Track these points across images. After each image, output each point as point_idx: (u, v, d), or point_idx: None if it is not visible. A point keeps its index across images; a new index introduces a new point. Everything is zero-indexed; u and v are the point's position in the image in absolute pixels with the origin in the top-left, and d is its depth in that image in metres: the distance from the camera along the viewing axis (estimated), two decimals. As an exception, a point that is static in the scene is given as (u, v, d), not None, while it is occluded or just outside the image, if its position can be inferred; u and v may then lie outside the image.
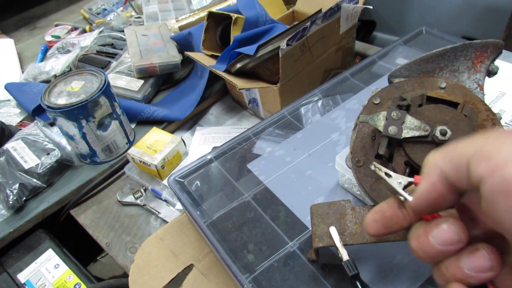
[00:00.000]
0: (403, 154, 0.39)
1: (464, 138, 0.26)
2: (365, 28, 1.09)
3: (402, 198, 0.32)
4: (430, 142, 0.37)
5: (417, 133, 0.37)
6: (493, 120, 0.40)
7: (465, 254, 0.27)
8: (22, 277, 0.67)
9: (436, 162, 0.27)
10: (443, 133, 0.36)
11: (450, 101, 0.41)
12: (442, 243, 0.28)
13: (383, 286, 0.44)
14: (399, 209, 0.32)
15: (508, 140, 0.24)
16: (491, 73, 0.43)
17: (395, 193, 0.33)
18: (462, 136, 0.37)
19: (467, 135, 0.37)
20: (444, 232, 0.28)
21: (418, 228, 0.30)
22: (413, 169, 0.38)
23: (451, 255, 0.28)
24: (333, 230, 0.42)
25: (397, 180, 0.34)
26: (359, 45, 0.99)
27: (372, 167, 0.37)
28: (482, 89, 0.42)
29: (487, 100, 0.59)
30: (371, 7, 0.78)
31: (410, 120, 0.37)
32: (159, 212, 0.71)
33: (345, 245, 0.41)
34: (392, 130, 0.37)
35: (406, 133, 0.37)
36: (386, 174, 0.35)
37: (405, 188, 0.33)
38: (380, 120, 0.38)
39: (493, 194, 0.24)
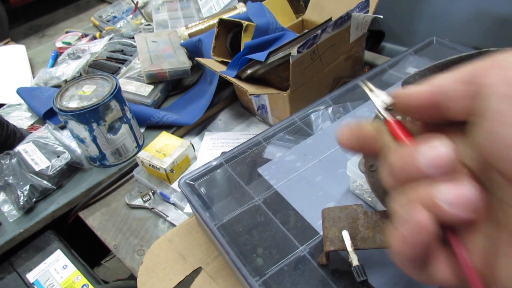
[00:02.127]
0: None
1: None
2: (374, 38, 1.10)
3: (381, 117, 0.28)
4: None
5: None
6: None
7: (444, 182, 0.22)
8: (31, 277, 0.67)
9: (436, 80, 0.23)
10: None
11: None
12: (431, 164, 0.22)
13: (393, 291, 0.44)
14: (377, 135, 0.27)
15: None
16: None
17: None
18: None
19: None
20: (437, 151, 0.22)
21: (401, 147, 0.25)
22: None
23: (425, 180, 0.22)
24: (345, 234, 0.42)
25: (382, 98, 0.29)
26: (368, 55, 1.00)
27: (361, 83, 0.33)
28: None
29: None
30: (381, 16, 0.79)
31: None
32: (167, 216, 0.72)
33: (356, 250, 0.41)
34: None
35: (420, 138, 0.37)
36: (370, 89, 0.31)
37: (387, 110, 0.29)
38: (393, 125, 0.38)
39: (496, 102, 0.20)
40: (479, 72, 0.21)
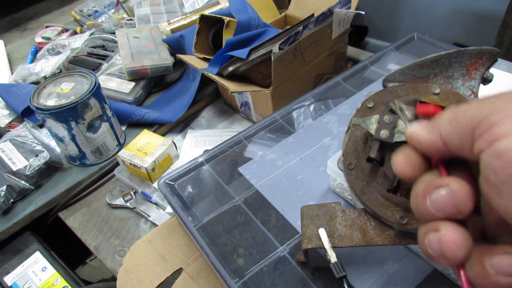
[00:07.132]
0: None
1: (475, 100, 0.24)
2: (358, 33, 1.09)
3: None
4: None
5: None
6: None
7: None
8: (8, 279, 0.65)
9: (441, 126, 0.26)
10: None
11: (444, 107, 0.41)
12: (438, 209, 0.25)
13: (373, 291, 0.44)
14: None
15: None
16: (486, 80, 0.43)
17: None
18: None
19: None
20: (441, 198, 0.24)
21: (418, 185, 0.27)
22: None
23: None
24: (322, 232, 0.42)
25: (408, 115, 0.33)
26: (351, 50, 1.00)
27: (392, 104, 0.36)
28: (476, 96, 0.43)
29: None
30: (363, 12, 0.78)
31: (402, 125, 0.37)
32: (149, 215, 0.71)
33: (334, 248, 0.41)
34: (383, 133, 0.37)
35: (398, 137, 0.37)
36: (400, 109, 0.34)
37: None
38: (372, 124, 0.38)
39: (486, 170, 0.22)
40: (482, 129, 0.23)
